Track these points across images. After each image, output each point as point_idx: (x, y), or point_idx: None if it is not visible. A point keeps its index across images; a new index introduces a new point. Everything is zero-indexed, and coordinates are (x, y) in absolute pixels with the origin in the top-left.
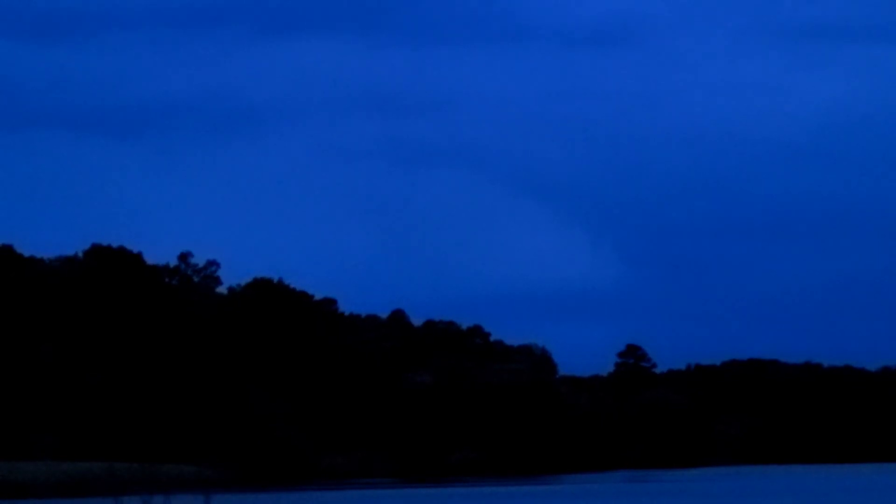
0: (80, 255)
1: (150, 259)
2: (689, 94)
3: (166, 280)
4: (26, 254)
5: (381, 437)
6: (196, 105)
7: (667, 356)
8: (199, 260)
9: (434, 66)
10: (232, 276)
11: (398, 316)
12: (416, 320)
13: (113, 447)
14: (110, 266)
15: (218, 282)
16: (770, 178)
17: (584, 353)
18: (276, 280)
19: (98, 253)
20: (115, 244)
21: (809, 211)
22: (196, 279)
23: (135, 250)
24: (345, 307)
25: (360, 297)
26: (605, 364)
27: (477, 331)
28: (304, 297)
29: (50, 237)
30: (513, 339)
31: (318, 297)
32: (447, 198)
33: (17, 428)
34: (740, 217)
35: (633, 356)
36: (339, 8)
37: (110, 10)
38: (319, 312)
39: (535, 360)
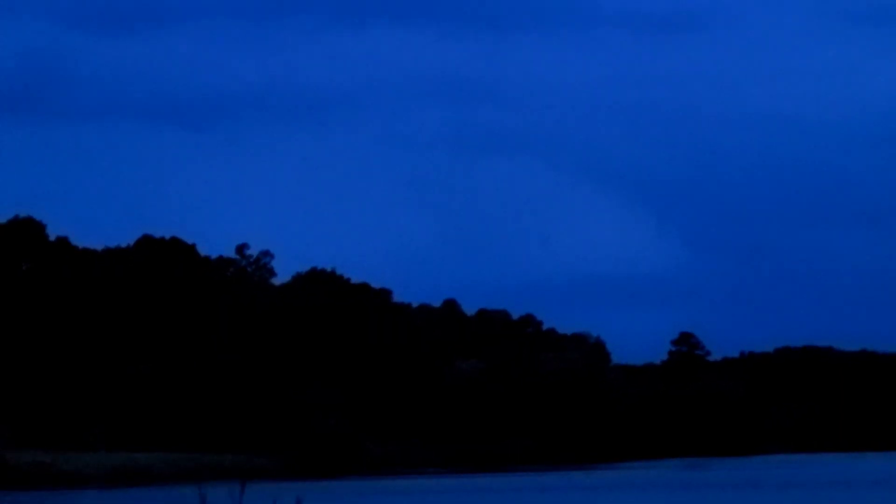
0: (132, 245)
1: (208, 250)
2: (757, 79)
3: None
4: (81, 245)
5: (432, 426)
6: (264, 95)
7: (721, 344)
8: (254, 251)
9: (502, 54)
10: (288, 267)
11: (450, 305)
12: (469, 309)
13: (164, 438)
14: (160, 257)
15: (272, 273)
16: (835, 164)
17: (638, 341)
18: (329, 270)
19: (147, 244)
20: (168, 235)
21: (871, 197)
22: (250, 270)
23: (190, 241)
24: (399, 296)
25: (415, 285)
26: (658, 352)
27: (529, 320)
28: (357, 287)
29: (110, 228)
30: (566, 328)
31: (372, 286)
32: (510, 186)
33: (69, 419)
34: (803, 203)
35: (686, 344)
36: None
37: (180, 2)
38: (372, 303)
39: (588, 349)
